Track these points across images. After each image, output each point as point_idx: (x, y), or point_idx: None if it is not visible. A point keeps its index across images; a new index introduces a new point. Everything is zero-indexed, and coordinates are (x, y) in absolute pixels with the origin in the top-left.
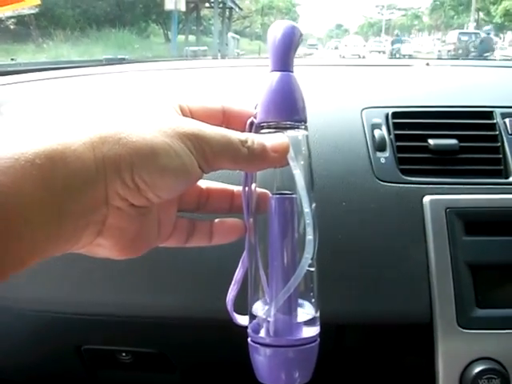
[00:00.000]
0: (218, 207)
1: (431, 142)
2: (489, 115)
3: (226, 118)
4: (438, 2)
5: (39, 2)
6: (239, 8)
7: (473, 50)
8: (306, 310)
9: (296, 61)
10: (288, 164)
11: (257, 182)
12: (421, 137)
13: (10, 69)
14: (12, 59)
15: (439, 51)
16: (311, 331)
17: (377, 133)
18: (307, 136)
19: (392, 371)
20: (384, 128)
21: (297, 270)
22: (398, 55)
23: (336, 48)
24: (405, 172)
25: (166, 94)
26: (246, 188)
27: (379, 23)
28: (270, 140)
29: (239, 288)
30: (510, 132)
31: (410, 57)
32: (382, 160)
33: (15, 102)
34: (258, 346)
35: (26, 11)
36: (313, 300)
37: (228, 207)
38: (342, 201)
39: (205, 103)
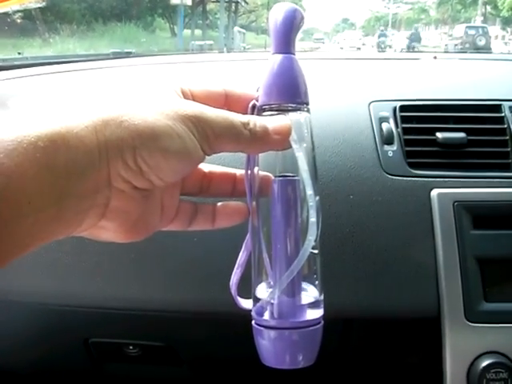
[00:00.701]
0: (221, 191)
1: (439, 135)
2: (497, 108)
3: (228, 101)
4: None
5: None
6: (245, 2)
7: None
8: (310, 293)
9: (303, 55)
10: (290, 146)
11: (259, 165)
12: (429, 130)
13: (16, 63)
14: (19, 53)
15: (446, 45)
16: (315, 313)
17: (384, 126)
18: (310, 118)
19: (399, 366)
20: (392, 121)
21: (300, 253)
22: (383, 46)
23: (337, 43)
24: (412, 165)
25: (168, 78)
26: (249, 171)
27: (386, 17)
28: (272, 122)
29: (242, 272)
30: None
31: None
32: (390, 153)
33: (22, 95)
34: (262, 328)
35: (33, 5)
36: (316, 282)
37: (231, 190)
38: (349, 194)
39: (207, 86)
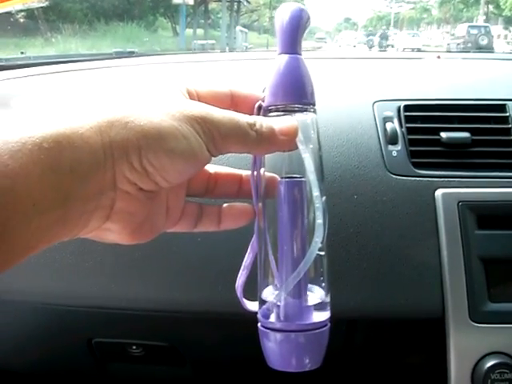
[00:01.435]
0: (227, 192)
1: (443, 135)
2: (501, 108)
3: (234, 102)
4: None
5: None
6: (247, 1)
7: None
8: (317, 295)
9: (306, 54)
10: (297, 148)
11: (265, 166)
12: (433, 130)
13: (19, 62)
14: (21, 53)
15: (448, 44)
16: (322, 316)
17: (389, 126)
18: (316, 119)
19: (403, 366)
20: (396, 121)
21: (307, 254)
22: (371, 44)
23: (336, 41)
24: (417, 165)
25: (174, 79)
26: (255, 172)
27: (388, 16)
28: (279, 123)
29: (248, 273)
30: None
31: (419, 50)
32: (394, 153)
33: (25, 95)
34: (268, 331)
35: (35, 5)
36: (323, 284)
37: (236, 192)
38: (353, 194)
39: (212, 87)
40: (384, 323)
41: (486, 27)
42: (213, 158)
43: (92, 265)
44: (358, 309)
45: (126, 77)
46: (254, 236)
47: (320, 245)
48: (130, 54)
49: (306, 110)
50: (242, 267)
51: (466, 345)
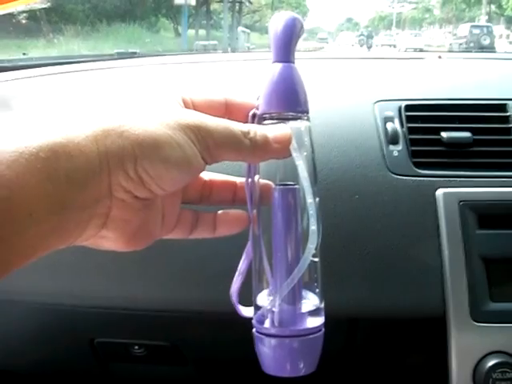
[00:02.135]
0: (222, 199)
1: (444, 134)
2: (502, 108)
3: (229, 110)
4: None
5: None
6: (249, 2)
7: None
8: (311, 301)
9: (308, 54)
10: (291, 155)
11: (260, 173)
12: (434, 130)
13: (21, 63)
14: (24, 54)
15: (450, 44)
16: (316, 321)
17: (389, 126)
18: (310, 127)
19: (404, 365)
20: (397, 121)
21: (301, 261)
22: (362, 43)
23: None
24: (418, 165)
25: (169, 87)
26: (249, 179)
27: (390, 16)
28: (273, 131)
29: (243, 279)
30: None
31: (421, 50)
32: (395, 153)
33: (26, 96)
34: (262, 336)
35: (38, 6)
36: (317, 290)
37: (231, 199)
38: (354, 194)
39: (207, 95)
40: (385, 322)
41: (488, 27)
42: (207, 166)
43: (93, 265)
44: (359, 308)
45: (127, 77)
46: (249, 242)
47: (314, 251)
48: (132, 55)
49: (299, 118)
50: (237, 273)
51: (468, 344)
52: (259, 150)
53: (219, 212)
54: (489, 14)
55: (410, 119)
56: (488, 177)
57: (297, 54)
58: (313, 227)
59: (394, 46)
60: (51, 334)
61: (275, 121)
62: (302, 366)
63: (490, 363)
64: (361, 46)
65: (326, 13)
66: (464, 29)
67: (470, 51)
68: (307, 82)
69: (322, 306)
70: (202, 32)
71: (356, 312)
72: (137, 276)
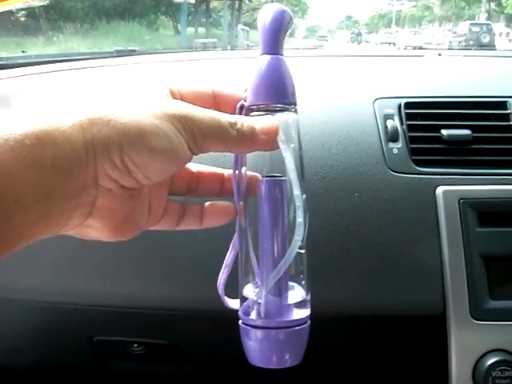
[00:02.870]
0: (209, 190)
1: (444, 132)
2: (502, 105)
3: (217, 102)
4: None
5: None
6: (249, 0)
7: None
8: (297, 293)
9: (307, 52)
10: (278, 147)
11: (247, 165)
12: (434, 127)
13: (20, 61)
14: (23, 51)
15: (450, 42)
16: (302, 313)
17: (389, 123)
18: (297, 119)
19: (404, 363)
20: (397, 118)
21: (287, 253)
22: (353, 40)
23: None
24: (418, 163)
25: (157, 78)
26: (237, 171)
27: (389, 14)
28: (260, 122)
29: (230, 271)
30: None
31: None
32: (395, 151)
33: (26, 94)
34: (248, 328)
35: (37, 4)
36: (303, 282)
37: (219, 190)
38: (354, 192)
39: (195, 87)
40: (385, 320)
41: (487, 25)
42: (195, 157)
43: (92, 263)
44: (359, 306)
45: (126, 75)
46: (236, 234)
47: (300, 243)
48: (131, 53)
49: (287, 110)
50: (224, 265)
51: (467, 342)
52: (246, 140)
53: (206, 203)
54: (488, 11)
55: (409, 117)
56: (488, 174)
57: (297, 52)
58: (299, 219)
59: (394, 44)
60: (50, 332)
61: (263, 112)
62: (287, 357)
63: (490, 361)
64: (352, 42)
65: (326, 11)
66: (464, 27)
67: (470, 49)
68: (307, 80)
69: (308, 297)
70: (201, 30)
71: (355, 310)
72: (135, 274)
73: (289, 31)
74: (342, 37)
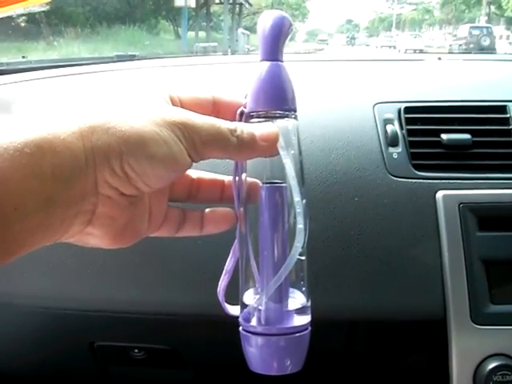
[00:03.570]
0: (209, 197)
1: (444, 136)
2: (502, 109)
3: (216, 108)
4: None
5: (48, 0)
6: (249, 4)
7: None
8: (297, 299)
9: (307, 56)
10: (278, 153)
11: (247, 171)
12: (433, 132)
13: (21, 66)
14: (23, 57)
15: (450, 45)
16: (302, 320)
17: (389, 128)
18: (297, 125)
19: (404, 368)
20: (396, 123)
21: (287, 259)
22: (348, 43)
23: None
24: (417, 167)
25: (157, 85)
26: (237, 178)
27: (390, 18)
28: (260, 129)
29: (230, 278)
30: None
31: (421, 52)
32: (395, 155)
33: (26, 99)
34: (249, 334)
35: (37, 9)
36: (304, 289)
37: (219, 197)
38: (354, 196)
39: (195, 93)
40: (385, 325)
41: (487, 28)
42: (195, 164)
43: (93, 269)
44: (359, 310)
45: (127, 80)
46: (236, 240)
47: (301, 249)
48: (132, 58)
49: (287, 116)
50: (224, 272)
51: (468, 347)
52: (246, 147)
53: (206, 210)
54: (488, 14)
55: (409, 121)
56: (488, 179)
57: (297, 57)
58: (300, 225)
59: (394, 48)
60: (51, 337)
61: (263, 119)
62: (288, 364)
63: (491, 366)
64: (347, 45)
65: (326, 14)
66: (464, 30)
67: (470, 52)
68: (307, 84)
69: (309, 304)
70: (202, 34)
71: (356, 314)
72: (136, 280)
73: (289, 36)
74: (339, 40)
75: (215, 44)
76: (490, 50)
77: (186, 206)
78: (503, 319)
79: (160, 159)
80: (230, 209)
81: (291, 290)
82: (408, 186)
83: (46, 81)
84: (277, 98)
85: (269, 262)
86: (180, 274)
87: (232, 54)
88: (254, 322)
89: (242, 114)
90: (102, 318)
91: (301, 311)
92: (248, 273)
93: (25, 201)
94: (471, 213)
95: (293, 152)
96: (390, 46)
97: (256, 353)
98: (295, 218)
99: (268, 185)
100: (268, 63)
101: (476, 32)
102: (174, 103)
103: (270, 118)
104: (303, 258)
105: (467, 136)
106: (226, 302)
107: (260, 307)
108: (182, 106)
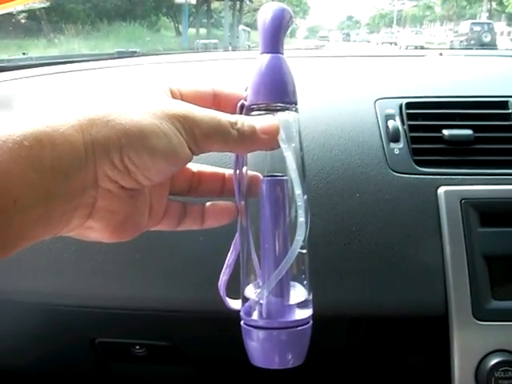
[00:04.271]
0: (210, 190)
1: (446, 132)
2: (504, 105)
3: (217, 101)
4: None
5: None
6: (250, 0)
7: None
8: (299, 293)
9: (308, 52)
10: (279, 146)
11: (248, 164)
12: (435, 127)
13: (21, 63)
14: (24, 53)
15: (451, 42)
16: (304, 313)
17: (390, 124)
18: (298, 118)
19: (406, 364)
20: (398, 119)
21: (288, 253)
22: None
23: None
24: (419, 163)
25: (157, 78)
26: (238, 171)
27: (391, 14)
28: (260, 122)
29: (231, 272)
30: None
31: (422, 48)
32: (396, 151)
33: (27, 96)
34: (250, 328)
35: (37, 5)
36: (305, 282)
37: (220, 190)
38: (355, 192)
39: (195, 86)
40: (387, 321)
41: (489, 24)
42: (195, 157)
43: (93, 265)
44: (361, 307)
45: (127, 77)
46: (237, 234)
47: (302, 243)
48: (132, 54)
49: (287, 109)
50: (225, 266)
51: (470, 343)
52: (246, 140)
53: (207, 204)
54: (490, 11)
55: (411, 117)
56: (490, 174)
57: (298, 53)
58: (301, 219)
59: (395, 44)
60: (52, 334)
61: (263, 112)
62: (290, 357)
63: (493, 362)
64: (343, 41)
65: (327, 11)
66: (465, 26)
67: (471, 48)
68: (308, 80)
69: (310, 297)
70: (202, 31)
71: (357, 310)
72: (136, 275)
73: (290, 31)
74: (335, 37)
75: (216, 41)
76: (491, 46)
77: (187, 200)
78: (505, 315)
79: (160, 152)
80: (231, 202)
81: (292, 283)
82: (409, 181)
83: (46, 77)
84: (277, 91)
85: (270, 256)
86: (181, 270)
87: (233, 50)
88: (255, 315)
89: (242, 106)
90: (103, 315)
91: (302, 305)
92: (249, 266)
93: (24, 194)
94: (473, 209)
95: (294, 145)
96: (390, 43)
97: (257, 347)
98: (296, 211)
99: (269, 178)
100: (268, 55)
101: (477, 28)
102: (174, 96)
103: (270, 110)
104: (304, 251)
105: (469, 132)
106: (227, 296)
107: (261, 301)
108: (182, 99)
